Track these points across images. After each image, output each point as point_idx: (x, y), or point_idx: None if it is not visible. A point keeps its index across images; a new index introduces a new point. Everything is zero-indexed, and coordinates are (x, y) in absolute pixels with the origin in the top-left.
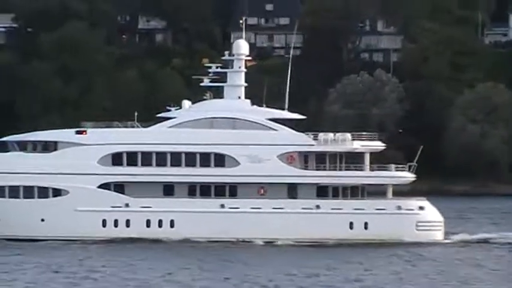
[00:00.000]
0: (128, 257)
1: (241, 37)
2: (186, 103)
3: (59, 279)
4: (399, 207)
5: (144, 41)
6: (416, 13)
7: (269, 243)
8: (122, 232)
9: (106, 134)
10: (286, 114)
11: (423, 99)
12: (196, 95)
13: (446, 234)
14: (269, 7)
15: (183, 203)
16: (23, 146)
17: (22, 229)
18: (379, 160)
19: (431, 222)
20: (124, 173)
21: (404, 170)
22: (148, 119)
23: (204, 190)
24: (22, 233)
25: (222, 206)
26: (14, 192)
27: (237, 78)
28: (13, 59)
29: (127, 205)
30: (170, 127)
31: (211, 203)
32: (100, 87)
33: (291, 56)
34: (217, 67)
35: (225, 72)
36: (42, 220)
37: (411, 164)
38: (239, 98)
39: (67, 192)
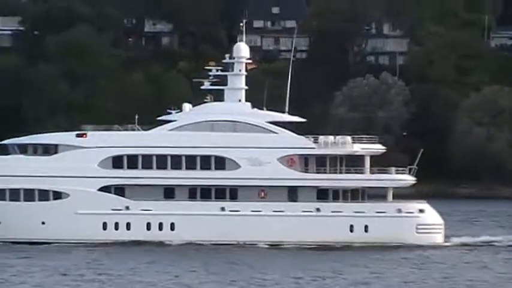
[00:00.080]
0: (134, 260)
1: (247, 40)
2: (187, 106)
3: (67, 282)
4: (399, 210)
5: (150, 44)
6: (423, 16)
7: (273, 246)
8: (123, 235)
9: (106, 137)
10: (287, 117)
11: (429, 102)
12: (201, 98)
13: (447, 237)
14: (275, 10)
15: (183, 205)
16: (23, 149)
17: (23, 232)
18: (385, 163)
19: (432, 225)
20: (124, 176)
21: (404, 173)
22: (154, 122)
23: (205, 193)
24: (23, 236)
25: (223, 209)
26: (14, 195)
27: (238, 81)
28: (19, 62)
29: (127, 208)
30: (171, 130)
31: (212, 206)
32: (106, 90)
33: (291, 58)
34: (217, 70)
35: (226, 75)
36: (43, 223)
37: (411, 167)
38: (239, 101)
39: (67, 195)
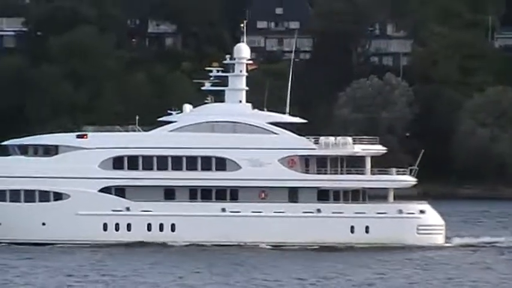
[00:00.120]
0: (138, 261)
1: (250, 41)
2: (187, 107)
3: (71, 283)
4: (400, 211)
5: (153, 45)
6: (426, 17)
7: (277, 247)
8: (123, 236)
9: (107, 138)
10: (287, 118)
11: (433, 102)
12: (204, 99)
13: (448, 238)
14: (279, 11)
15: (184, 206)
16: (24, 150)
17: (23, 233)
18: (388, 163)
19: (432, 226)
20: (125, 176)
21: (405, 174)
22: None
23: (205, 194)
24: (23, 237)
25: (223, 209)
26: (15, 196)
27: (238, 82)
28: (23, 63)
29: (128, 209)
30: (171, 131)
31: (212, 207)
32: (109, 91)
33: (292, 60)
34: (218, 71)
35: (226, 76)
36: (43, 224)
37: (412, 167)
38: (240, 101)
39: (68, 196)
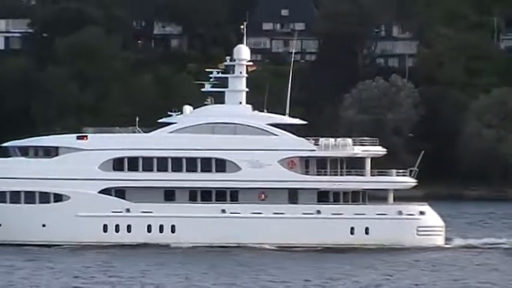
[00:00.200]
0: (145, 262)
1: (256, 42)
2: (187, 108)
3: (77, 284)
4: (400, 212)
5: (159, 46)
6: (432, 18)
7: (282, 248)
8: (123, 237)
9: (107, 139)
10: (287, 120)
11: (438, 104)
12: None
13: (448, 239)
14: (284, 12)
15: (184, 208)
16: (24, 151)
17: (23, 234)
18: (393, 165)
19: (432, 227)
20: (125, 178)
21: (405, 175)
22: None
23: (205, 195)
24: (23, 238)
25: (223, 211)
26: (15, 197)
27: (238, 84)
28: (29, 64)
29: (128, 210)
30: (171, 132)
31: (212, 208)
32: (115, 93)
33: (292, 61)
34: (218, 72)
35: (227, 77)
36: (44, 225)
37: (412, 169)
38: (240, 103)
39: (68, 197)
